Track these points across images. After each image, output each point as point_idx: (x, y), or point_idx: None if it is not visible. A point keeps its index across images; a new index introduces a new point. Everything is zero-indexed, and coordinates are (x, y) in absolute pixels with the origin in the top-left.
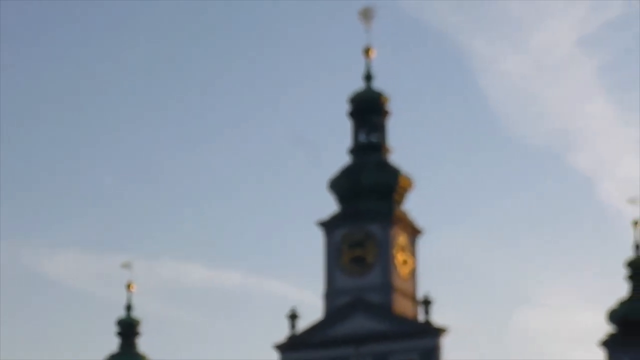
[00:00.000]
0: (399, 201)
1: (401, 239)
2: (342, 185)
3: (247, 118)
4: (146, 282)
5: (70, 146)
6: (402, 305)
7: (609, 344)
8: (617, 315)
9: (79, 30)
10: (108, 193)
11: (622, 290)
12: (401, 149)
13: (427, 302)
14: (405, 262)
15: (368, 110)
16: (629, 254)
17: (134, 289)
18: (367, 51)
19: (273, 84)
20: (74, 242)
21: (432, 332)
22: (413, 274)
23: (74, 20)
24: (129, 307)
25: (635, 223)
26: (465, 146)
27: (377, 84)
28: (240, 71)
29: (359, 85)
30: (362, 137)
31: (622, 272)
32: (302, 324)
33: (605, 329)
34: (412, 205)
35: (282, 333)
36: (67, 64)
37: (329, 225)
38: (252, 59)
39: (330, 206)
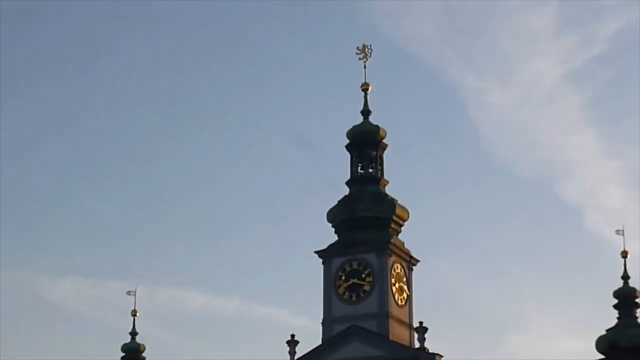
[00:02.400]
0: (396, 231)
1: (397, 268)
2: (339, 215)
3: (248, 149)
4: (147, 309)
5: (72, 177)
6: (397, 332)
7: None
8: (605, 343)
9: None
10: (109, 223)
11: (611, 319)
12: (397, 180)
13: (422, 329)
14: (401, 290)
15: (366, 144)
16: (617, 283)
17: (138, 315)
18: (364, 87)
19: (274, 117)
20: (77, 270)
21: (427, 359)
22: (408, 301)
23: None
24: (134, 333)
25: (625, 254)
26: (457, 178)
27: (374, 118)
28: (241, 106)
29: (357, 119)
30: (360, 170)
31: (611, 301)
32: (301, 351)
33: (594, 356)
34: (407, 236)
35: (281, 359)
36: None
37: (326, 255)
38: (250, 98)
39: (330, 235)
